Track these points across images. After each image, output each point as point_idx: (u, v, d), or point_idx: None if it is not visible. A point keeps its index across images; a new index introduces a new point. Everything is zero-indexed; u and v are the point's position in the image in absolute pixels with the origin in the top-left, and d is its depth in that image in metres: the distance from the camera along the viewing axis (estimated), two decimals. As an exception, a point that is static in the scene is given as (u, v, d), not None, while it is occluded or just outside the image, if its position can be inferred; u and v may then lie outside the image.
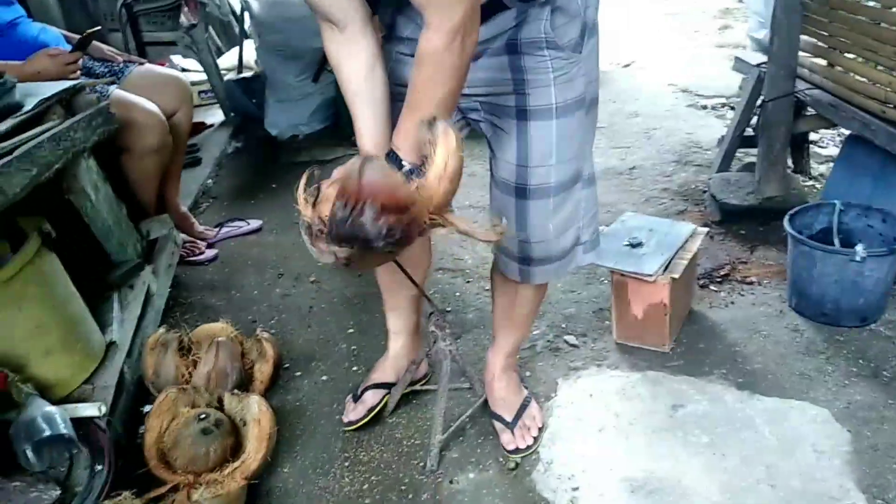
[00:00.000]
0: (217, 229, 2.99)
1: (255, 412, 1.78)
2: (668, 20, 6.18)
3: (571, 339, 2.20)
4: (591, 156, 1.57)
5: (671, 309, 2.04)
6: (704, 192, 2.96)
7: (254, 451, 1.71)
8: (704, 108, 3.89)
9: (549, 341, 2.20)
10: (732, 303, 2.31)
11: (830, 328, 2.14)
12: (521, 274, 1.62)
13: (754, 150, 3.03)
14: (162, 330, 1.97)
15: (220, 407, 1.83)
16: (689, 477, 1.68)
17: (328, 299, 2.52)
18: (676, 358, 2.08)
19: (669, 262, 2.01)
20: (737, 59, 2.91)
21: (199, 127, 3.84)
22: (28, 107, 1.81)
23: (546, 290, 1.80)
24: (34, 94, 1.88)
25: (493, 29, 1.31)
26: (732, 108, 3.82)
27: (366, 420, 1.89)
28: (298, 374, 2.16)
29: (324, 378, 2.14)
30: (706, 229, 2.15)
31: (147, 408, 1.95)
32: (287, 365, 2.19)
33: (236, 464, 1.69)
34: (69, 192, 2.01)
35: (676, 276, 1.98)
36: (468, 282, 2.55)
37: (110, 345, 1.91)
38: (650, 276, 1.96)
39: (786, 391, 1.92)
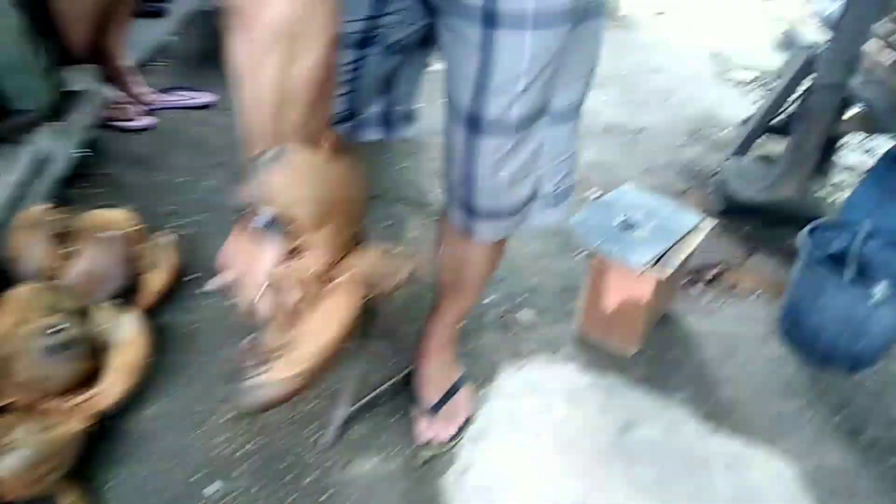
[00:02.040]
0: (160, 94, 2.58)
1: (125, 334, 1.45)
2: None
3: (528, 315, 1.89)
4: (575, 84, 1.17)
5: (650, 309, 1.73)
6: (712, 175, 2.62)
7: (110, 384, 1.40)
8: (732, 80, 3.49)
9: (500, 314, 1.88)
10: (714, 312, 2.01)
11: (816, 368, 1.86)
12: (462, 224, 1.28)
13: (778, 140, 2.68)
14: (41, 207, 1.61)
15: (87, 318, 1.50)
16: (624, 520, 1.41)
17: (264, 205, 2.15)
18: (640, 365, 1.78)
19: (663, 255, 1.69)
20: (786, 33, 2.51)
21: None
22: None
23: (502, 252, 1.45)
24: None
25: None
26: (763, 87, 3.44)
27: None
28: (202, 291, 1.82)
29: (231, 302, 1.80)
30: (713, 222, 1.82)
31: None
32: (196, 275, 1.85)
33: (83, 396, 1.37)
34: (-47, 11, 1.60)
35: (667, 274, 1.66)
36: (432, 219, 2.21)
37: (-32, 215, 1.55)
38: (637, 267, 1.64)
39: (753, 434, 1.64)
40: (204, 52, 3.03)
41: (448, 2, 1.07)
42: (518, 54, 1.05)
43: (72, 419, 1.32)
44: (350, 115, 1.23)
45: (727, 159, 2.54)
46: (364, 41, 1.15)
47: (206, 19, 3.32)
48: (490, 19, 1.03)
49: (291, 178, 0.82)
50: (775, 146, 2.67)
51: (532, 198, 1.25)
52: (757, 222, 2.37)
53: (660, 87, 3.31)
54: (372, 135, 1.29)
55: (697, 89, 3.34)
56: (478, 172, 1.18)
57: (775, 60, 3.48)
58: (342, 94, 1.19)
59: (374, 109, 1.26)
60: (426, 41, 1.21)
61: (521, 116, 1.11)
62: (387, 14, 1.14)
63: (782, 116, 2.55)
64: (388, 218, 2.19)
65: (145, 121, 2.45)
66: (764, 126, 2.52)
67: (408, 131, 1.37)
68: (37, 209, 1.59)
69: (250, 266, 0.89)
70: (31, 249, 1.54)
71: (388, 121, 1.29)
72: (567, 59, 1.11)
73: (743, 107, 3.17)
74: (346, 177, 0.90)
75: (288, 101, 0.81)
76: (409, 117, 1.34)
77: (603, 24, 1.13)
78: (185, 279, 1.81)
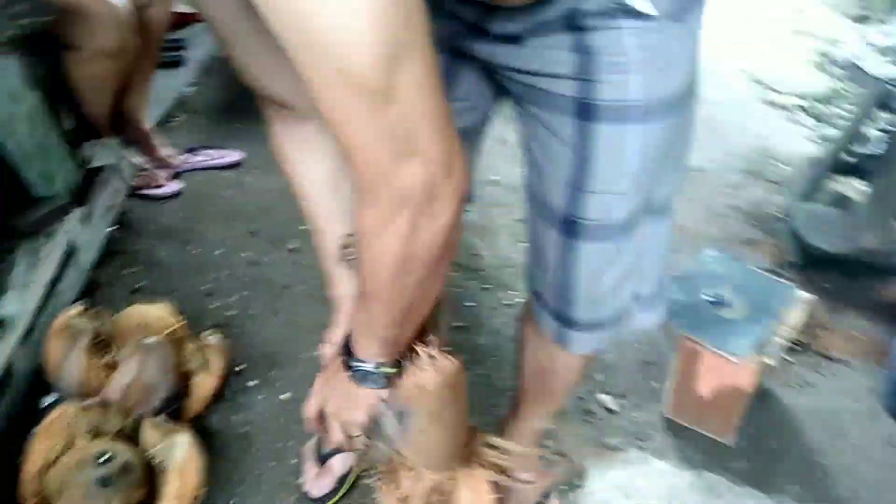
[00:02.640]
0: (186, 156, 2.42)
1: (179, 458, 1.28)
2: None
3: (608, 400, 1.71)
4: (674, 174, 0.99)
5: (750, 397, 1.56)
6: (779, 219, 2.44)
7: (168, 518, 1.23)
8: (776, 105, 3.32)
9: (579, 399, 1.71)
10: (810, 384, 1.83)
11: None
12: (557, 335, 1.10)
13: (846, 180, 2.51)
14: (75, 310, 1.44)
15: (136, 437, 1.33)
16: None
17: (308, 278, 1.98)
18: (741, 457, 1.61)
19: (762, 339, 1.52)
20: (851, 64, 2.35)
21: (187, 18, 3.18)
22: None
23: (594, 359, 1.29)
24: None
25: None
26: (807, 112, 3.26)
27: (337, 498, 1.41)
28: (253, 383, 1.66)
29: (285, 396, 1.64)
30: (809, 296, 1.65)
31: (48, 400, 1.46)
32: (241, 367, 1.68)
33: (139, 534, 1.21)
34: (-27, 99, 1.45)
35: (771, 361, 1.49)
36: (485, 288, 2.04)
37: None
38: (738, 357, 1.47)
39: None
40: (225, 104, 2.88)
41: (531, 90, 0.90)
42: (620, 152, 0.88)
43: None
44: None
45: (791, 206, 2.37)
46: None
47: (224, 66, 3.18)
48: (586, 112, 0.86)
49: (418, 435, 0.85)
50: (844, 187, 2.49)
51: (632, 301, 1.08)
52: (837, 275, 2.19)
53: (706, 119, 3.14)
54: None
55: (744, 118, 3.17)
56: (577, 282, 1.01)
57: (818, 83, 3.32)
58: None
59: None
60: (487, 123, 1.08)
61: (625, 217, 0.95)
62: (454, 100, 0.98)
63: (850, 156, 2.37)
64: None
65: (173, 186, 2.29)
66: (832, 167, 2.35)
67: (468, 212, 1.22)
68: (72, 313, 1.42)
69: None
70: (70, 361, 1.37)
71: None
72: (671, 149, 0.94)
73: (796, 138, 3.00)
74: (462, 394, 0.89)
75: (408, 268, 0.71)
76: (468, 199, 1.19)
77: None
78: (232, 373, 1.65)
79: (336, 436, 0.92)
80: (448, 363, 0.84)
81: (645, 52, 0.81)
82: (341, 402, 0.89)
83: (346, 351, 0.85)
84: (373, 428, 0.86)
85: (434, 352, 0.84)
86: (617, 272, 1.00)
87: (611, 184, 0.91)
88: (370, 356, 0.83)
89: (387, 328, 0.80)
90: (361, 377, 0.84)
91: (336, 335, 0.96)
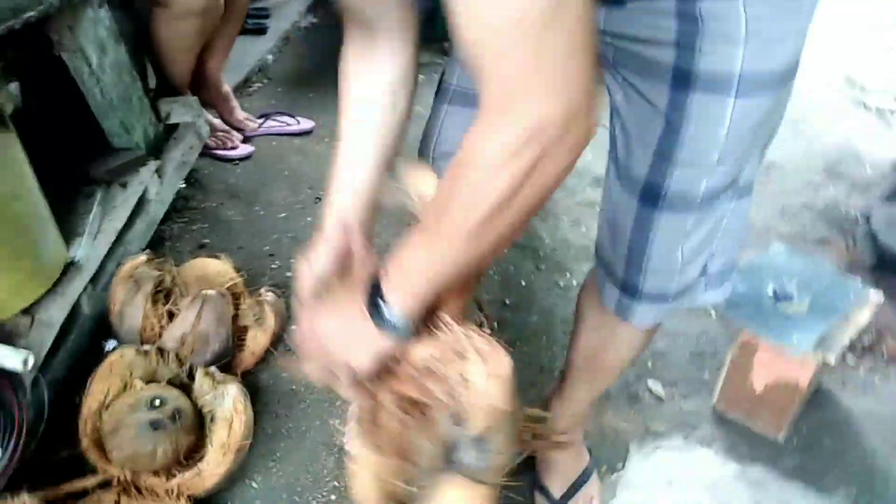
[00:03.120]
0: (261, 121, 2.49)
1: (228, 408, 1.33)
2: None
3: (657, 386, 1.68)
4: (760, 155, 0.99)
5: (805, 394, 1.51)
6: (857, 223, 2.34)
7: (213, 464, 1.28)
8: (870, 108, 3.16)
9: (627, 383, 1.68)
10: (872, 387, 1.76)
11: None
12: (619, 307, 1.09)
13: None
14: (141, 258, 1.51)
15: (189, 385, 1.39)
16: None
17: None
18: (791, 454, 1.56)
19: (824, 336, 1.46)
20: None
21: (273, -12, 3.27)
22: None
23: (653, 335, 1.27)
24: None
25: None
26: (901, 115, 3.10)
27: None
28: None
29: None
30: (881, 297, 1.58)
31: (111, 344, 1.53)
32: (294, 327, 1.72)
33: (187, 475, 1.26)
34: (61, 48, 1.52)
35: (831, 359, 1.43)
36: (539, 268, 2.03)
37: (70, 265, 1.45)
38: (797, 351, 1.42)
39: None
40: (302, 74, 2.94)
41: (627, 55, 0.89)
42: (715, 124, 0.86)
43: (173, 500, 1.21)
44: None
45: (872, 207, 2.26)
46: None
47: (305, 37, 3.25)
48: (683, 80, 0.84)
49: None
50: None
51: (700, 275, 1.06)
52: (912, 280, 2.09)
53: (789, 115, 3.00)
54: None
55: (832, 118, 3.03)
56: (650, 252, 1.00)
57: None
58: None
59: None
60: None
61: (709, 191, 0.93)
62: None
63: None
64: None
65: (244, 149, 2.35)
66: (920, 169, 2.23)
67: None
68: (137, 261, 1.49)
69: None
70: (132, 307, 1.44)
71: None
72: (762, 127, 0.92)
73: (883, 141, 2.86)
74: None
75: (510, 207, 0.65)
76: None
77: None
78: (285, 334, 1.69)
79: (321, 372, 0.83)
80: (502, 362, 0.73)
81: (757, 23, 0.79)
82: (348, 341, 0.79)
83: (375, 288, 0.76)
84: (446, 456, 0.74)
85: (486, 339, 0.74)
86: (691, 245, 0.99)
87: (699, 156, 0.90)
88: (401, 305, 0.74)
89: (440, 276, 0.72)
90: (383, 322, 0.75)
91: (318, 255, 0.91)
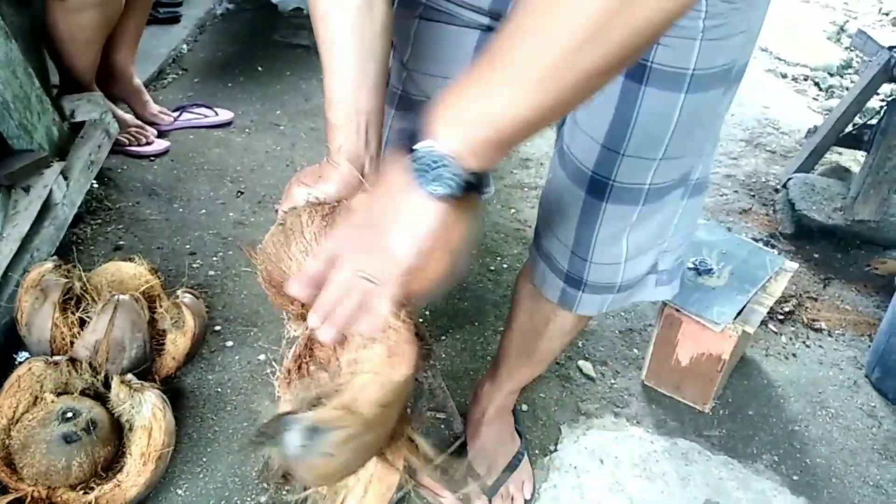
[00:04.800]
0: (176, 114, 2.40)
1: (146, 415, 1.28)
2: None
3: (587, 367, 1.70)
4: (711, 151, 1.02)
5: (729, 364, 1.54)
6: (776, 189, 2.40)
7: (133, 474, 1.23)
8: (784, 76, 3.24)
9: (557, 364, 1.69)
10: (794, 354, 1.81)
11: (918, 421, 1.66)
12: (563, 297, 1.09)
13: (849, 152, 2.47)
14: (49, 264, 1.44)
15: (105, 394, 1.33)
16: None
17: (292, 239, 1.97)
18: (717, 425, 1.59)
19: (744, 307, 1.49)
20: (860, 32, 2.29)
21: (185, -26, 3.15)
22: None
23: (589, 319, 1.27)
24: None
25: None
26: (817, 85, 3.20)
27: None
28: (230, 343, 1.65)
29: (261, 357, 1.63)
30: (795, 266, 1.62)
31: (22, 355, 1.47)
32: (218, 327, 1.68)
33: (106, 487, 1.21)
34: (-54, 47, 1.42)
35: (751, 330, 1.47)
36: (470, 253, 2.01)
37: (-30, 276, 1.38)
38: (718, 324, 1.45)
39: (852, 508, 1.45)
40: (219, 63, 2.84)
41: None
42: (665, 117, 0.86)
43: (88, 522, 1.16)
44: None
45: (792, 174, 2.33)
46: None
47: (221, 24, 3.15)
48: (638, 72, 0.84)
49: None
50: (846, 159, 2.45)
51: (650, 271, 1.07)
52: (830, 247, 2.16)
53: (708, 88, 3.09)
54: None
55: (748, 88, 3.11)
56: (594, 240, 0.99)
57: (829, 55, 3.24)
58: None
59: None
60: None
61: (655, 185, 0.93)
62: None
63: (853, 127, 2.32)
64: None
65: (160, 145, 2.27)
66: (834, 138, 2.30)
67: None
68: (43, 268, 1.42)
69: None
70: (40, 317, 1.37)
71: None
72: (712, 122, 0.93)
73: (800, 109, 2.94)
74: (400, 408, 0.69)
75: (608, 34, 0.53)
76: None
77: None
78: (210, 332, 1.64)
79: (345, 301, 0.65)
80: (398, 370, 0.64)
81: (714, 18, 0.80)
82: (373, 237, 0.64)
83: (416, 137, 0.61)
84: (272, 434, 0.62)
85: (406, 340, 0.65)
86: (639, 238, 1.00)
87: (647, 149, 0.90)
88: (456, 149, 0.59)
89: (507, 125, 0.58)
90: (426, 171, 0.60)
91: (326, 179, 0.81)
